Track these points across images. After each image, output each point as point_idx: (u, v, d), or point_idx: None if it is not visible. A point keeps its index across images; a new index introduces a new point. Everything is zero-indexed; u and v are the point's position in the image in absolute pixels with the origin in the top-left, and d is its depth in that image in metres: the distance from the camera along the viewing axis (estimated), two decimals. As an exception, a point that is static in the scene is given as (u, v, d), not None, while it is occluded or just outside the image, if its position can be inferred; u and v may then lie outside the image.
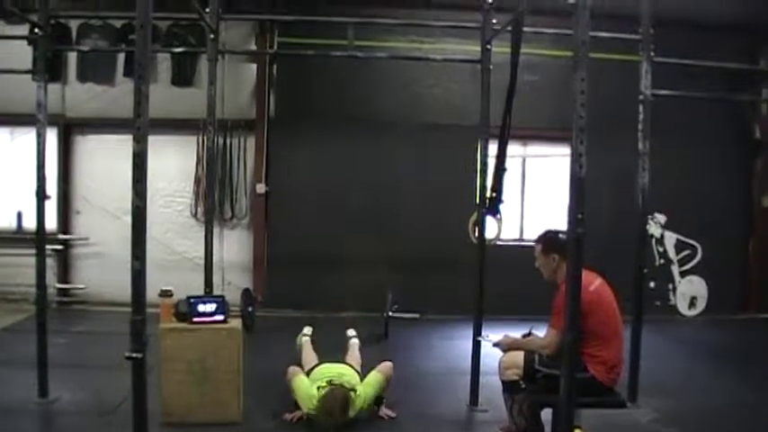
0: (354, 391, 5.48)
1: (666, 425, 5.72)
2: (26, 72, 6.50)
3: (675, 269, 10.94)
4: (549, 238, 4.98)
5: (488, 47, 6.18)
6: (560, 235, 4.77)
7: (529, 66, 9.00)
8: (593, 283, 4.71)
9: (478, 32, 6.27)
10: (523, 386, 4.89)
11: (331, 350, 6.57)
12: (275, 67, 10.48)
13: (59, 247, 10.27)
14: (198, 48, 9.47)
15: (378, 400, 5.74)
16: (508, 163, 5.79)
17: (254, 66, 10.39)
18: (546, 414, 4.85)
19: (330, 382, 5.44)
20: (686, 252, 10.93)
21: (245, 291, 9.27)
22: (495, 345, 5.14)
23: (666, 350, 8.34)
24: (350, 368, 5.86)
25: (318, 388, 5.43)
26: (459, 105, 9.93)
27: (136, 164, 3.63)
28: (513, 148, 8.66)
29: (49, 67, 6.13)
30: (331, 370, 5.73)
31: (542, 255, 4.95)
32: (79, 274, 10.58)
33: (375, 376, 5.71)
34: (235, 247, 10.55)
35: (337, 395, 5.32)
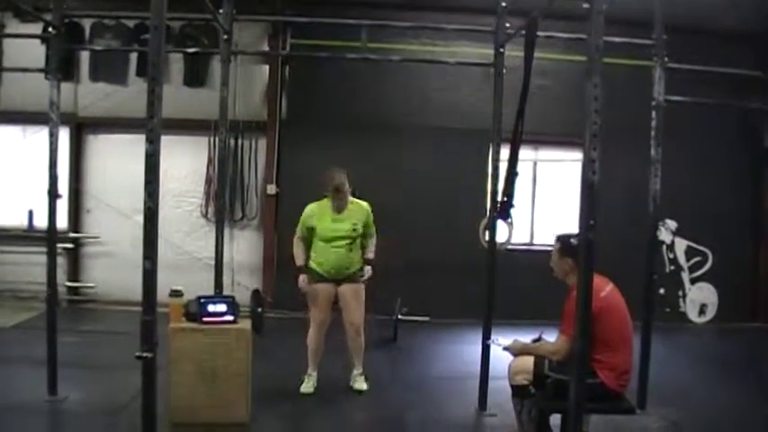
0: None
1: (675, 433, 5.71)
2: (39, 71, 6.55)
3: (686, 276, 10.89)
4: (566, 243, 4.95)
5: (501, 50, 6.17)
6: (572, 240, 4.77)
7: (541, 70, 8.99)
8: (604, 288, 4.69)
9: (491, 36, 6.27)
10: (533, 391, 4.87)
11: (340, 351, 6.59)
12: (288, 68, 10.50)
13: (70, 245, 10.29)
14: (211, 48, 9.49)
15: (368, 262, 6.67)
16: (520, 167, 5.77)
17: (267, 67, 10.40)
18: (555, 419, 4.83)
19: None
20: (697, 259, 10.88)
21: (255, 291, 9.23)
22: (505, 348, 5.13)
23: (676, 358, 8.30)
24: None
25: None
26: (471, 109, 9.92)
27: (148, 164, 3.62)
28: (525, 153, 8.63)
29: (61, 66, 6.14)
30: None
31: (558, 255, 4.93)
32: (89, 272, 10.59)
33: None
34: (245, 247, 10.56)
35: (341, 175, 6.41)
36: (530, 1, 5.34)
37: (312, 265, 6.54)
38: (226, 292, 6.50)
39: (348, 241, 6.44)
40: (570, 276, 4.77)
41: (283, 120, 10.44)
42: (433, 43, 9.91)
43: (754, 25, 9.81)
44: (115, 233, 10.25)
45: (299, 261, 6.62)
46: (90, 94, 10.26)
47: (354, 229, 6.45)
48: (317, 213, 6.52)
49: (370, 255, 6.72)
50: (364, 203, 6.65)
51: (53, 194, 5.97)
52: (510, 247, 9.44)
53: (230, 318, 5.52)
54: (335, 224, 6.43)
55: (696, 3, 8.88)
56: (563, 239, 4.99)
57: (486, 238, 6.51)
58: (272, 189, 10.36)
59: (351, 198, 6.53)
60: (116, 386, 6.07)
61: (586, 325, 3.62)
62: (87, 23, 9.97)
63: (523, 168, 7.12)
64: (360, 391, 6.49)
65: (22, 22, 9.61)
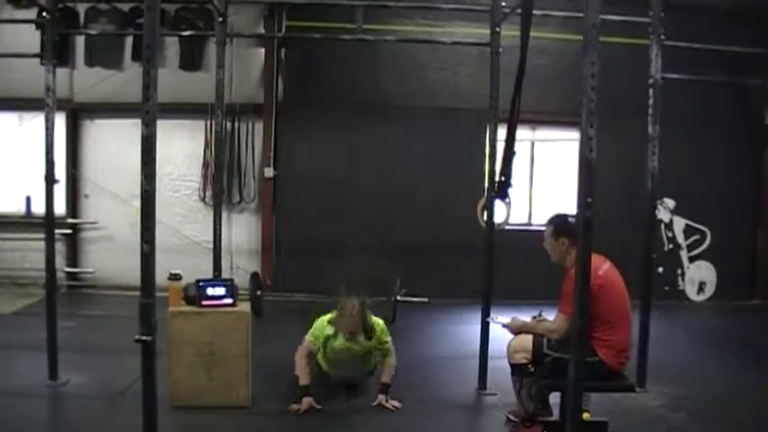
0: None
1: (674, 410, 5.71)
2: (34, 56, 6.51)
3: (684, 254, 10.91)
4: (559, 222, 4.96)
5: (498, 30, 6.14)
6: (570, 219, 4.77)
7: (538, 49, 8.95)
8: (601, 267, 4.70)
9: (488, 15, 6.23)
10: (532, 370, 4.89)
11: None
12: (283, 51, 10.45)
13: (68, 231, 10.29)
14: (206, 31, 9.45)
15: (383, 389, 5.72)
16: (517, 147, 5.75)
17: (263, 50, 10.37)
18: (554, 397, 4.85)
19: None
20: (695, 237, 10.89)
21: (254, 275, 9.27)
22: (505, 326, 5.15)
23: (675, 335, 8.33)
24: None
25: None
26: (467, 89, 9.88)
27: (144, 148, 3.61)
28: (522, 133, 8.61)
29: (57, 52, 6.10)
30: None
31: (552, 238, 4.93)
32: (88, 258, 10.61)
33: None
34: (243, 231, 10.55)
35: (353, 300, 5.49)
36: (525, -21, 5.31)
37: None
38: (224, 275, 6.49)
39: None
40: (567, 257, 4.77)
41: (280, 102, 10.41)
42: (429, 23, 9.86)
43: (753, 2, 9.75)
44: (113, 218, 10.25)
45: (303, 379, 5.61)
46: (86, 80, 10.21)
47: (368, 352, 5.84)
48: (332, 334, 5.72)
49: (386, 378, 5.77)
50: (378, 324, 5.79)
51: (50, 180, 5.95)
52: (508, 226, 9.51)
53: (229, 301, 5.52)
54: (348, 343, 5.69)
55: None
56: (555, 220, 5.00)
57: (485, 217, 6.51)
58: (269, 172, 10.35)
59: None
60: (116, 370, 6.08)
61: (585, 303, 3.62)
62: (82, 8, 9.90)
63: (521, 148, 7.12)
64: None
65: (16, 7, 9.57)
